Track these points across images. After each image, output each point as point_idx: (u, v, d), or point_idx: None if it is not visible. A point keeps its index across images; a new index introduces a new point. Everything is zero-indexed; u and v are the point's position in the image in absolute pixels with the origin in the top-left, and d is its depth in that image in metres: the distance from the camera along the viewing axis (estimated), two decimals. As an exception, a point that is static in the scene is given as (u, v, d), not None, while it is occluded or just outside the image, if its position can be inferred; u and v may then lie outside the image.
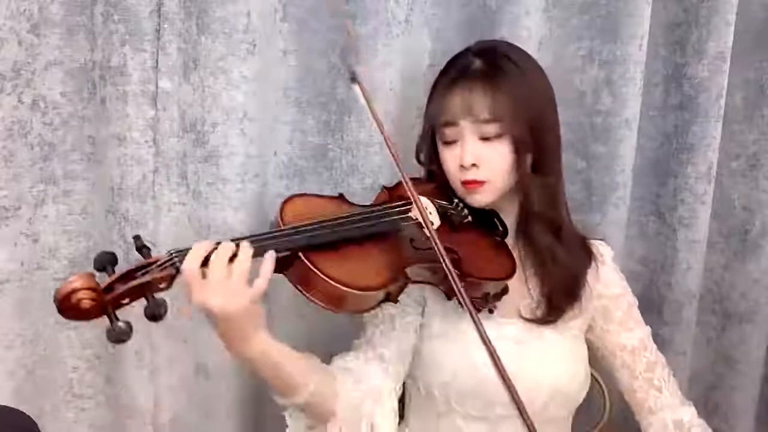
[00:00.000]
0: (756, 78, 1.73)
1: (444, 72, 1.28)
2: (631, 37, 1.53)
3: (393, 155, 1.14)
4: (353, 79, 1.14)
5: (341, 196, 1.24)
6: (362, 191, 1.45)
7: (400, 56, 1.43)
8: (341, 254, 1.10)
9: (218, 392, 1.42)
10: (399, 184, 1.26)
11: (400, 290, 1.16)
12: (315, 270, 1.06)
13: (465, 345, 1.23)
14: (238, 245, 1.03)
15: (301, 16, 1.39)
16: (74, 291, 0.95)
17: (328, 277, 1.06)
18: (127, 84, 1.30)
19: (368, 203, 1.26)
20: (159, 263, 1.01)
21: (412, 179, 1.21)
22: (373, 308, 1.15)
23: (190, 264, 1.00)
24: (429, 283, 1.20)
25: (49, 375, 1.38)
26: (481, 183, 1.23)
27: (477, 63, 1.24)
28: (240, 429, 1.45)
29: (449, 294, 1.20)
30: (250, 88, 1.32)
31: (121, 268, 1.01)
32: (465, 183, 1.24)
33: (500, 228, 1.28)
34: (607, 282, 1.34)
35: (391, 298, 1.14)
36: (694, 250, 1.69)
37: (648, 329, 1.36)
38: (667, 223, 1.70)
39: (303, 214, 1.13)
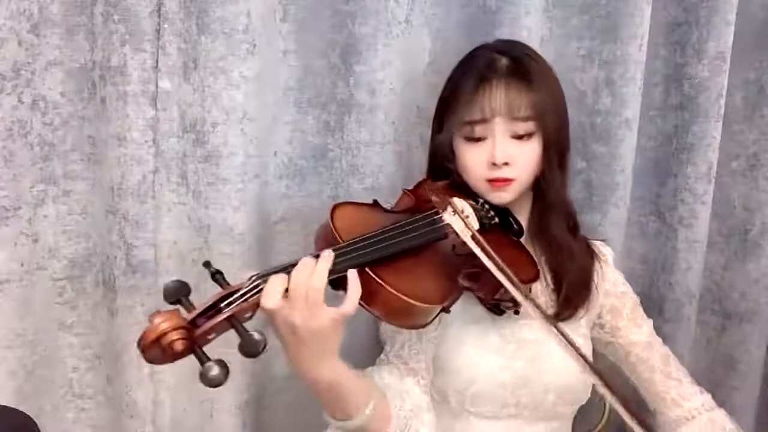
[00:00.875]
0: (756, 78, 1.73)
1: (465, 69, 1.25)
2: (631, 37, 1.53)
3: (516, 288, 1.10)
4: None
5: (376, 203, 1.21)
6: (362, 191, 1.45)
7: (400, 56, 1.43)
8: (402, 267, 1.07)
9: (218, 393, 1.42)
10: (420, 185, 1.24)
11: (454, 301, 1.12)
12: (384, 285, 1.03)
13: (481, 349, 1.23)
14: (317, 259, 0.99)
15: (301, 16, 1.39)
16: (164, 334, 0.88)
17: (398, 292, 1.03)
18: (127, 84, 1.30)
19: (392, 207, 1.25)
20: (243, 292, 0.95)
21: (431, 183, 1.20)
22: (430, 323, 1.11)
23: (270, 301, 0.95)
24: (469, 289, 1.16)
25: (49, 375, 1.38)
26: (510, 181, 1.22)
27: (503, 60, 1.22)
28: (240, 430, 1.45)
29: (485, 300, 1.18)
30: (250, 88, 1.32)
31: (200, 300, 0.94)
32: (493, 181, 1.22)
33: (515, 226, 1.27)
34: (614, 281, 1.36)
35: (446, 309, 1.10)
36: (694, 250, 1.69)
37: (651, 321, 1.37)
38: (667, 223, 1.70)
39: (354, 226, 1.09)
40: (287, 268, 0.99)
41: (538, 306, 1.09)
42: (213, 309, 0.93)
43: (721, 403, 1.34)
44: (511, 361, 1.23)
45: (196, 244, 1.37)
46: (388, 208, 1.24)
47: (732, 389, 1.82)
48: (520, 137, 1.21)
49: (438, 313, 1.10)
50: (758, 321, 1.80)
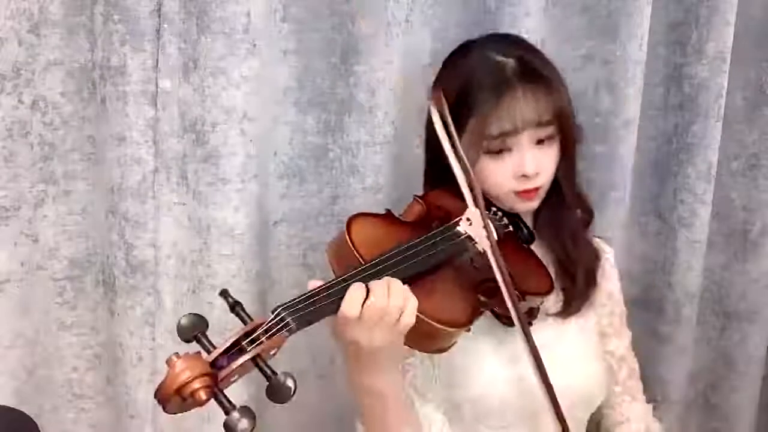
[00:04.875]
0: (756, 78, 1.72)
1: (468, 80, 1.17)
2: (631, 37, 1.52)
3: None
4: None
5: (390, 213, 1.16)
6: (362, 191, 1.45)
7: (400, 56, 1.43)
8: (425, 289, 1.00)
9: (218, 392, 1.42)
10: (431, 191, 1.20)
11: (476, 319, 1.06)
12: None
13: (495, 362, 1.19)
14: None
15: (301, 16, 1.39)
16: (188, 382, 0.78)
17: (427, 317, 0.97)
18: (127, 84, 1.30)
19: (403, 215, 1.19)
20: (266, 328, 0.85)
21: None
22: (451, 347, 1.06)
23: (352, 309, 0.94)
24: (486, 305, 1.09)
25: (49, 375, 1.38)
26: (538, 189, 1.19)
27: (510, 63, 1.16)
28: (240, 429, 1.45)
29: (502, 315, 1.11)
30: (250, 88, 1.32)
31: (219, 340, 0.84)
32: (522, 192, 1.18)
33: (525, 231, 1.22)
34: (614, 282, 1.35)
35: (468, 329, 1.05)
36: (694, 250, 1.68)
37: (630, 334, 1.37)
38: (667, 223, 1.70)
39: (373, 242, 1.02)
40: (319, 294, 0.93)
41: (522, 324, 1.07)
42: (235, 347, 0.83)
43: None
44: (526, 369, 1.17)
45: (196, 245, 1.37)
46: (400, 218, 1.17)
47: (732, 389, 1.82)
48: (541, 141, 1.18)
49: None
50: (758, 321, 1.80)
